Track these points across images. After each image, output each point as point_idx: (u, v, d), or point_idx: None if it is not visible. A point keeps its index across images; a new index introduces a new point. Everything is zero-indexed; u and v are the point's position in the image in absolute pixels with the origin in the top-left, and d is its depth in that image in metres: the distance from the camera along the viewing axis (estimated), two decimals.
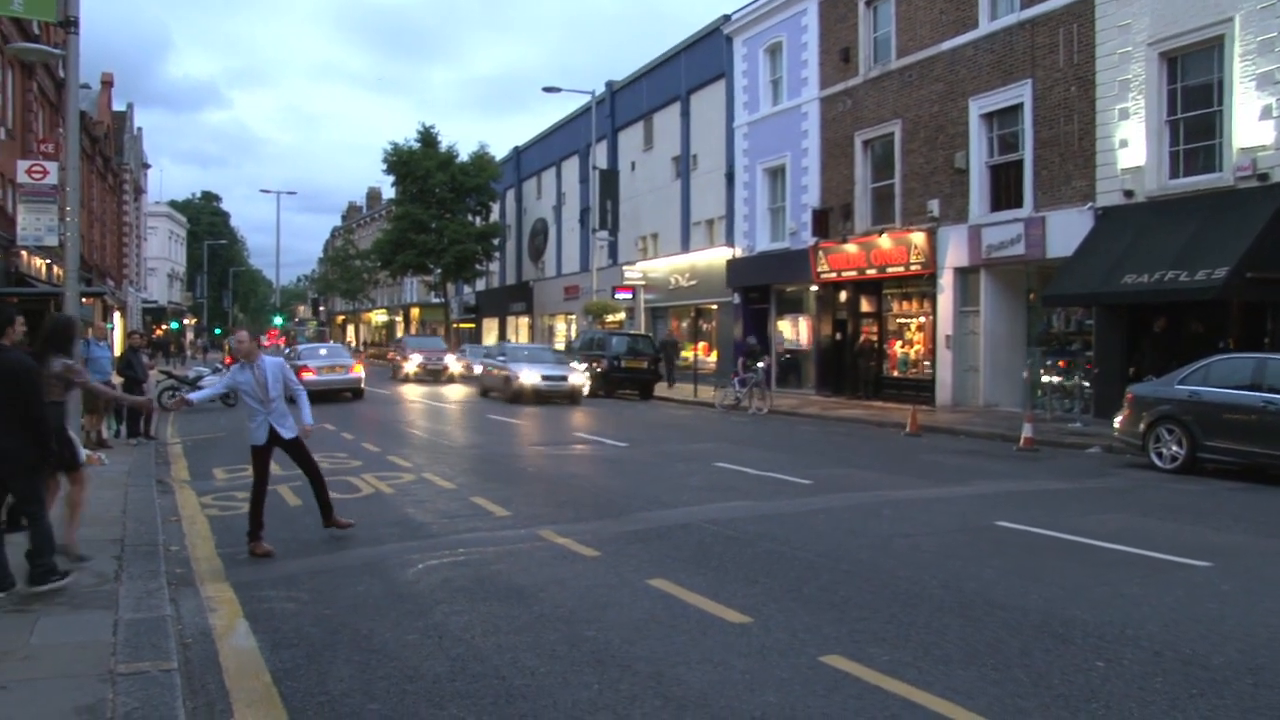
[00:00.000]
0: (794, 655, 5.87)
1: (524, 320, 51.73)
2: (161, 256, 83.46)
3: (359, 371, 29.05)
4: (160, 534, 8.95)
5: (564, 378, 27.59)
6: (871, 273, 26.29)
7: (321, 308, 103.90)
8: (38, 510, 7.09)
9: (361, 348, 79.88)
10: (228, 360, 36.68)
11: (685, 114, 36.35)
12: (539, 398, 27.13)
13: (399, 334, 75.10)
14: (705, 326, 35.35)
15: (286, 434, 8.85)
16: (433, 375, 38.95)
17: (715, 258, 33.32)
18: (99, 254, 45.57)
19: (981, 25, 23.04)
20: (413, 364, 39.37)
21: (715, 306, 33.88)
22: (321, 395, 25.26)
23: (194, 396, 9.48)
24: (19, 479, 7.06)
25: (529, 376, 27.24)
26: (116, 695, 4.96)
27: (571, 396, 27.53)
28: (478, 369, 33.06)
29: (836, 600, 7.09)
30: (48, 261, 31.14)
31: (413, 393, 32.23)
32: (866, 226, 26.78)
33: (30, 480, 7.11)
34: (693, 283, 34.79)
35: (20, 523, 7.46)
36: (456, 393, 32.42)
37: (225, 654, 5.97)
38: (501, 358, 30.03)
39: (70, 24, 13.36)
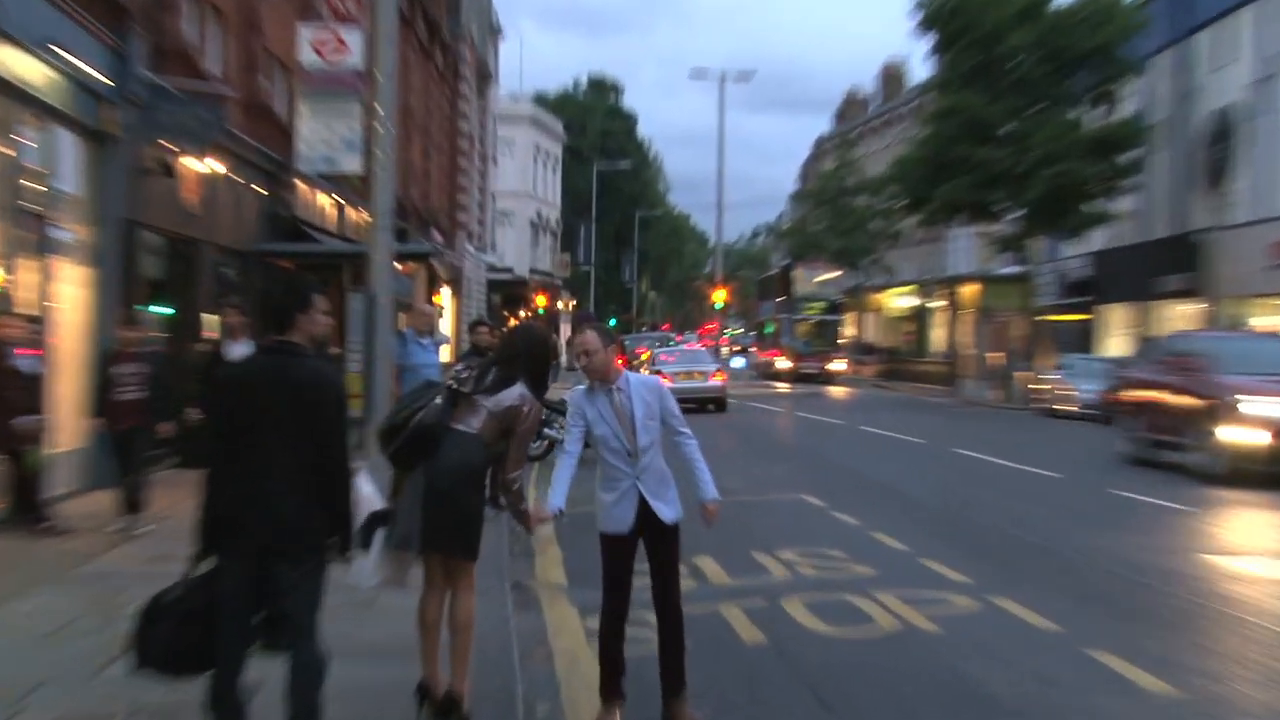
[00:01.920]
0: None
1: (1186, 307, 29.37)
2: (521, 192, 55.81)
3: (720, 380, 27.55)
4: (519, 682, 5.74)
5: None
6: None
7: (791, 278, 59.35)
8: (313, 631, 4.06)
9: (868, 356, 49.48)
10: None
11: None
12: None
13: (931, 327, 47.00)
14: None
15: (667, 515, 4.86)
16: None
17: None
18: (419, 188, 28.89)
19: None
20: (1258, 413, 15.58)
21: None
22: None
23: (557, 502, 4.99)
24: (299, 568, 3.98)
25: None
26: None
27: None
28: None
29: None
30: (337, 201, 22.13)
31: None
32: None
33: (318, 578, 4.08)
34: None
35: (283, 643, 4.18)
36: None
37: None
38: None
39: None
